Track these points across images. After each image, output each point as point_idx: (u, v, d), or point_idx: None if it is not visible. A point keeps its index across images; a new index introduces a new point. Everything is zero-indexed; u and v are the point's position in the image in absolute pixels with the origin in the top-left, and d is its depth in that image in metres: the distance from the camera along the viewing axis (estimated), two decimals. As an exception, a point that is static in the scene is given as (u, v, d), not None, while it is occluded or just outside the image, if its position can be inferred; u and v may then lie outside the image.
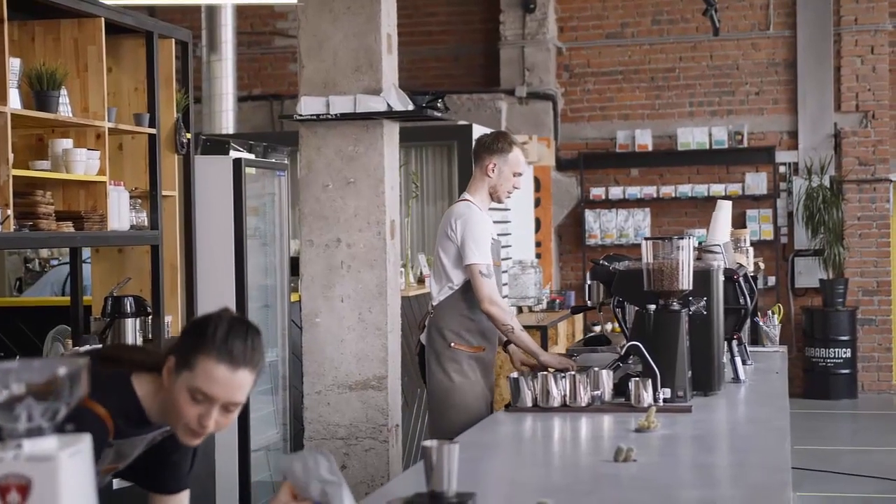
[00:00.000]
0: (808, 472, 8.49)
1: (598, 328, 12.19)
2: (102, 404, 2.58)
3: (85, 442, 1.79)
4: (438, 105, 5.94)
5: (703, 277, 4.48)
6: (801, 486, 7.98)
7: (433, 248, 9.83)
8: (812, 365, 12.09)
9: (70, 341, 5.39)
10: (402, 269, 8.14)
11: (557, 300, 10.93)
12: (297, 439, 6.60)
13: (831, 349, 11.99)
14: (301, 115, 5.63)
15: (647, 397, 4.12)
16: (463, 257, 5.04)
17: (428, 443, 2.73)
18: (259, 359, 2.59)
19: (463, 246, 5.04)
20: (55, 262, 8.83)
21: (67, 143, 4.98)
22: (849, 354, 12.01)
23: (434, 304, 5.20)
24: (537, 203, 12.27)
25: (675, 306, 4.35)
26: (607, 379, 4.28)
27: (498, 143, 5.22)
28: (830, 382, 12.00)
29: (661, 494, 2.92)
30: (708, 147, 12.48)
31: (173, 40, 5.83)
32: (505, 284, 9.74)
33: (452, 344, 5.10)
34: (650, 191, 12.58)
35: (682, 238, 4.37)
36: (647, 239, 4.41)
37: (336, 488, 2.49)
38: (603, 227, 12.71)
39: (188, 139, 5.90)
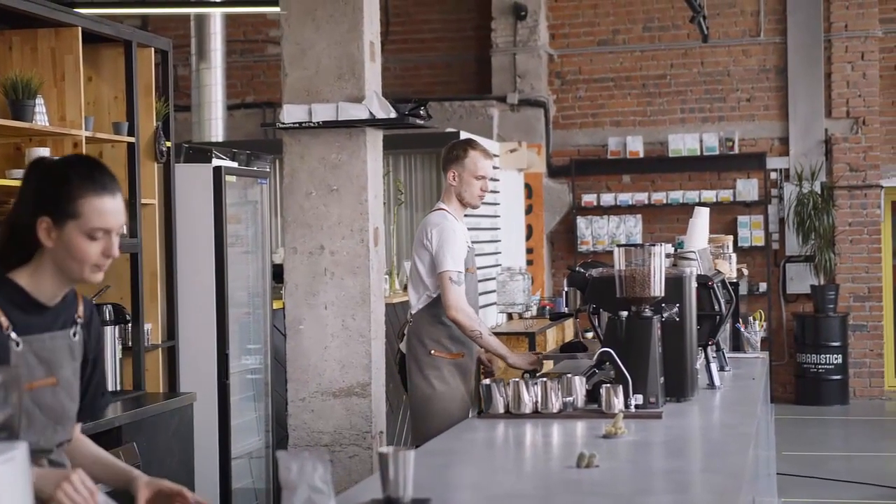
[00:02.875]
0: (796, 479, 8.50)
1: (590, 335, 12.19)
2: None
3: (20, 449, 1.81)
4: (421, 113, 5.96)
5: (675, 284, 4.49)
6: (790, 493, 7.98)
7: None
8: (803, 371, 12.09)
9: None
10: (387, 277, 8.16)
11: (548, 307, 10.94)
12: (279, 446, 6.61)
13: (822, 355, 12.00)
14: (284, 123, 5.66)
15: (618, 404, 4.13)
16: (436, 265, 5.13)
17: (383, 449, 2.75)
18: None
19: (437, 254, 5.14)
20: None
21: (44, 151, 5.00)
22: (840, 360, 12.02)
23: (413, 312, 5.29)
24: (529, 210, 12.30)
25: (647, 313, 4.36)
26: (580, 385, 4.30)
27: (453, 151, 5.35)
28: (822, 388, 12.01)
29: (618, 500, 2.94)
30: (699, 153, 12.50)
31: (153, 49, 5.85)
32: (492, 292, 9.77)
33: (432, 351, 5.20)
34: (642, 197, 12.59)
35: (654, 245, 4.38)
36: (619, 246, 4.42)
37: (324, 499, 2.50)
38: (595, 233, 12.73)
39: (168, 147, 5.92)
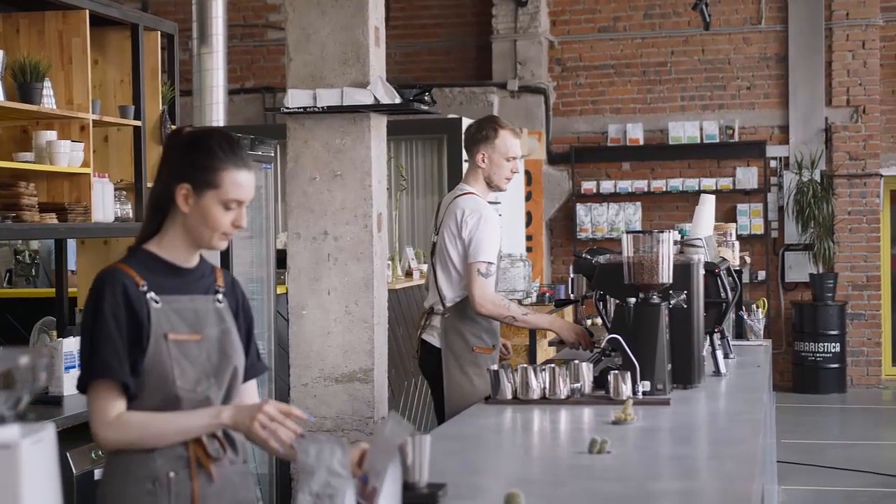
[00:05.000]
0: (795, 466, 8.52)
1: (589, 321, 12.21)
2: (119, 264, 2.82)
3: (47, 431, 1.81)
4: (425, 98, 5.95)
5: (683, 271, 4.49)
6: (788, 480, 8.00)
7: (423, 241, 9.85)
8: (801, 359, 12.12)
9: (55, 332, 5.40)
10: (390, 262, 8.16)
11: (548, 294, 10.95)
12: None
13: (821, 343, 12.03)
14: (288, 108, 5.65)
15: (626, 390, 4.14)
16: (467, 254, 4.93)
17: (399, 434, 2.75)
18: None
19: (471, 243, 4.91)
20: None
21: (51, 134, 4.99)
22: (838, 349, 12.05)
23: (447, 304, 5.04)
24: (528, 197, 12.29)
25: (655, 300, 4.36)
26: (587, 372, 4.30)
27: (482, 130, 5.11)
28: (819, 377, 12.04)
29: (632, 485, 2.95)
30: (699, 141, 12.50)
31: (159, 32, 5.84)
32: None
33: (475, 348, 5.00)
34: (641, 185, 12.60)
35: (663, 232, 4.38)
36: (627, 232, 4.42)
37: (342, 483, 2.52)
38: (594, 220, 12.74)
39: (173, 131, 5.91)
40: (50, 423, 1.85)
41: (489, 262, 4.90)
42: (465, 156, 9.78)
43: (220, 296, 2.90)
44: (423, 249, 9.04)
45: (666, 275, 4.35)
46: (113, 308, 2.72)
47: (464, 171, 9.64)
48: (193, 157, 2.80)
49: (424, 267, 8.22)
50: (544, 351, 9.19)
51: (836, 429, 10.75)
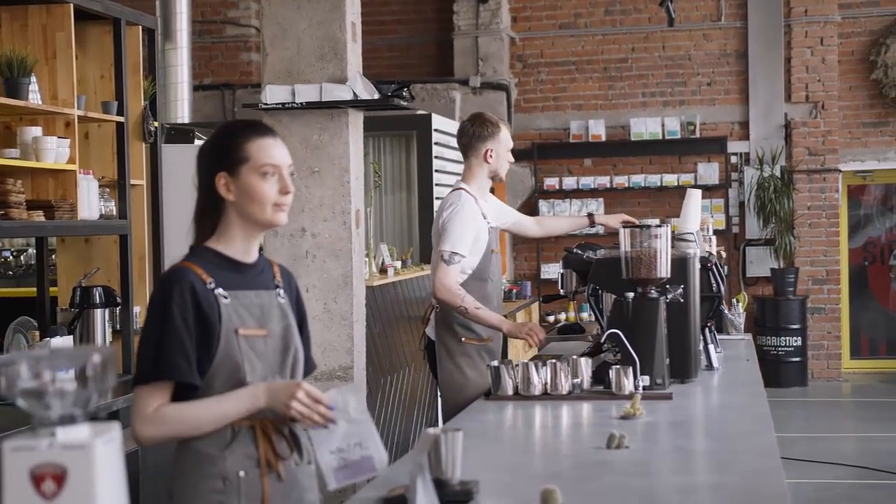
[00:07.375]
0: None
1: (551, 318, 12.24)
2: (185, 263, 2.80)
3: (115, 430, 1.77)
4: (404, 94, 5.93)
5: (680, 265, 4.50)
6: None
7: (394, 237, 9.80)
8: (763, 353, 12.19)
9: (37, 333, 5.30)
10: (366, 259, 8.12)
11: (514, 290, 10.97)
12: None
13: (782, 337, 12.13)
14: (266, 104, 5.60)
15: (629, 385, 4.14)
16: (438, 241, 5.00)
17: (432, 430, 2.72)
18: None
19: (442, 230, 4.98)
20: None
21: (37, 130, 4.90)
22: (799, 342, 12.16)
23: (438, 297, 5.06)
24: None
25: (653, 294, 4.36)
26: (586, 367, 4.30)
27: (487, 128, 5.17)
28: (781, 370, 12.14)
29: (660, 480, 2.94)
30: (661, 137, 12.55)
31: (140, 27, 5.76)
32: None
33: (463, 339, 5.06)
34: (604, 181, 12.64)
35: (661, 226, 4.38)
36: (625, 227, 4.42)
37: (365, 427, 2.51)
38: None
39: (155, 127, 5.84)
40: (115, 422, 1.80)
41: (453, 252, 4.94)
42: (435, 152, 9.74)
43: (281, 291, 2.89)
44: (397, 246, 9.01)
45: (664, 269, 4.36)
46: (181, 308, 2.70)
47: (434, 166, 9.68)
48: (218, 147, 2.82)
49: (399, 264, 8.20)
50: (514, 347, 9.19)
51: (800, 422, 10.84)
